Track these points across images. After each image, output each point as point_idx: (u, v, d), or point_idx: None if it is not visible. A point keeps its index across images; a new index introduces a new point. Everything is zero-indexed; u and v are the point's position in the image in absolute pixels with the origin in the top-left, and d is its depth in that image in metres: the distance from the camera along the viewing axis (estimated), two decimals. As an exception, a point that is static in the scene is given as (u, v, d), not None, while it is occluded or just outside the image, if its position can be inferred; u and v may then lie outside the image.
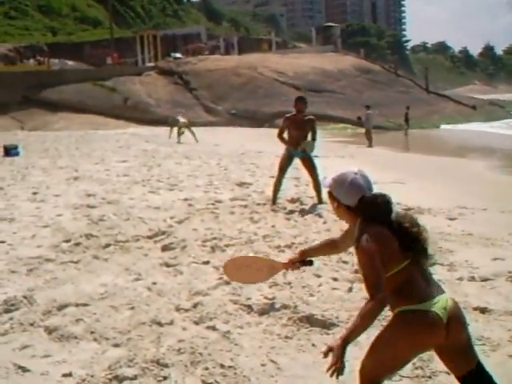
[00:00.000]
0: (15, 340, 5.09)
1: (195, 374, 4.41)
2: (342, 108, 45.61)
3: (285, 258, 7.33)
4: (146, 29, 74.60)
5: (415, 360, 4.43)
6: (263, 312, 5.56)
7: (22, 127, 40.37)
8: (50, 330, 5.25)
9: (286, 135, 11.17)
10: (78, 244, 8.29)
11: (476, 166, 19.11)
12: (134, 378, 4.35)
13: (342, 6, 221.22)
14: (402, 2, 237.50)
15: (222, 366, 4.49)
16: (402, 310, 3.17)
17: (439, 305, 3.11)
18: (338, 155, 22.03)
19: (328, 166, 16.56)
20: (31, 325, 5.39)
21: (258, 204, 11.14)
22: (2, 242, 8.51)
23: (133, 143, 27.44)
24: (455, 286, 6.09)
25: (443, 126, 41.60)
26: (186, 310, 5.65)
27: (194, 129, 28.75)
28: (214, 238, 8.40)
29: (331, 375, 3.28)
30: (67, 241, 8.49)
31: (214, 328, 5.21)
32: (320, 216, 9.89)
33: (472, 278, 6.36)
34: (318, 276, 6.53)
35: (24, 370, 4.54)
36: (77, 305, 5.84)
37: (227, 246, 8.02)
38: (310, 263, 4.02)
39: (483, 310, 5.49)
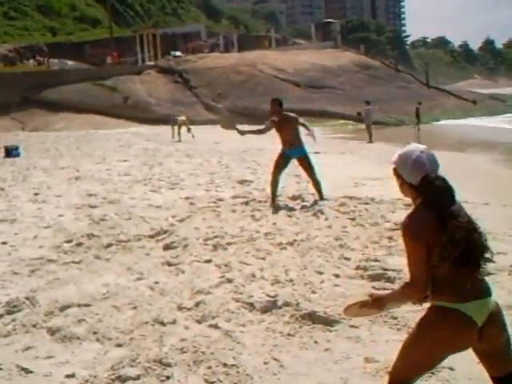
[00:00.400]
0: (18, 341, 5.09)
1: (198, 373, 4.40)
2: (342, 104, 45.60)
3: (287, 255, 7.36)
4: (146, 28, 74.54)
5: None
6: (265, 310, 5.55)
7: (22, 128, 40.40)
8: (52, 331, 5.25)
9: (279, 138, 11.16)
10: (79, 244, 8.30)
11: (476, 161, 19.11)
12: (137, 377, 4.34)
13: (342, 1, 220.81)
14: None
15: (225, 364, 4.47)
16: (438, 304, 3.11)
17: (476, 308, 3.02)
18: (338, 151, 22.05)
19: (328, 163, 16.62)
20: (34, 326, 5.39)
21: (260, 201, 11.14)
22: (4, 243, 8.53)
23: (134, 142, 27.46)
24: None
25: (443, 122, 41.40)
26: (189, 309, 5.64)
27: (192, 126, 28.81)
28: (216, 237, 8.40)
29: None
30: (69, 241, 8.50)
31: (216, 326, 5.20)
32: (321, 212, 9.88)
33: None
34: (320, 273, 6.53)
35: (27, 371, 4.53)
36: (79, 305, 5.84)
37: (229, 244, 8.02)
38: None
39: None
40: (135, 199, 11.88)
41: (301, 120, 11.15)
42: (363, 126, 29.81)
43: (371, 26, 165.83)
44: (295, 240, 8.06)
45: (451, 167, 15.97)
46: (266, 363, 4.51)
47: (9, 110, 42.20)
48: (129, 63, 57.40)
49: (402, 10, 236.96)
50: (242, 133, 11.45)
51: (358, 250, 7.46)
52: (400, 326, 5.04)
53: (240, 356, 4.63)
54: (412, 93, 49.89)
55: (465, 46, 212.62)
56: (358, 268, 6.66)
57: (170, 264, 7.24)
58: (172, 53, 58.36)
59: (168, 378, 4.35)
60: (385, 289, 5.93)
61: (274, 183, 11.07)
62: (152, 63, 55.06)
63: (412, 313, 5.26)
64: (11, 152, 21.39)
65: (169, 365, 4.50)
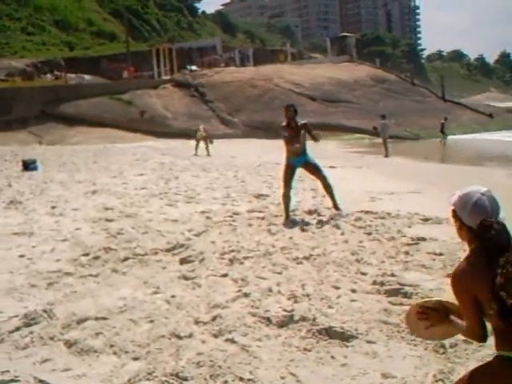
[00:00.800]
0: (35, 354, 5.12)
1: (215, 387, 4.41)
2: (358, 118, 45.59)
3: (303, 269, 7.35)
4: (162, 42, 75.02)
5: (436, 372, 4.42)
6: (282, 324, 5.55)
7: (39, 141, 40.69)
8: (69, 344, 5.27)
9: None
10: (96, 257, 8.33)
11: (494, 175, 18.99)
12: (154, 391, 4.36)
13: (357, 15, 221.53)
14: (417, 11, 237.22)
15: (241, 379, 4.47)
16: (502, 354, 2.90)
17: None
18: (355, 165, 22.02)
19: (345, 177, 16.61)
20: (51, 338, 5.42)
21: (276, 216, 11.13)
22: (22, 255, 8.57)
23: (150, 156, 27.57)
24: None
25: (458, 136, 41.02)
26: (205, 323, 5.65)
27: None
28: (232, 251, 8.41)
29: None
30: (86, 254, 8.53)
31: (232, 341, 5.20)
32: (338, 227, 9.87)
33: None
34: (337, 288, 6.52)
35: (44, 383, 4.55)
36: (96, 318, 5.86)
37: (245, 258, 8.03)
38: None
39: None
40: (152, 213, 11.91)
41: (314, 133, 11.16)
42: (379, 140, 29.78)
43: (386, 40, 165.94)
44: (311, 255, 8.06)
45: (468, 181, 15.96)
46: (282, 378, 4.50)
47: (26, 124, 42.57)
48: (145, 77, 57.69)
49: (418, 23, 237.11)
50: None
51: (375, 265, 7.44)
52: (417, 342, 5.00)
53: (256, 370, 4.62)
54: (428, 106, 49.84)
55: (481, 60, 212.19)
56: (374, 283, 6.64)
57: (186, 278, 7.25)
58: (188, 67, 58.64)
59: (185, 391, 4.36)
60: (402, 304, 5.91)
61: (286, 198, 11.01)
62: (168, 77, 55.33)
63: (429, 328, 5.25)
64: (29, 166, 21.55)
65: (185, 379, 4.51)
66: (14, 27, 73.30)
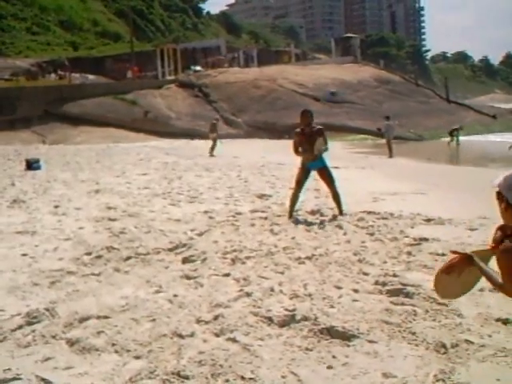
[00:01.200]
0: (37, 352, 5.12)
1: (216, 386, 4.41)
2: (362, 119, 45.61)
3: (305, 269, 7.36)
4: (166, 42, 75.09)
5: (437, 372, 4.42)
6: (284, 324, 5.55)
7: (43, 141, 40.74)
8: (71, 343, 5.27)
9: (300, 149, 11.09)
10: (99, 257, 8.34)
11: (498, 176, 18.96)
12: (155, 390, 4.37)
13: (362, 16, 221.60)
14: (422, 12, 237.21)
15: (243, 378, 4.47)
16: None
17: None
18: (358, 166, 22.03)
19: (348, 178, 16.61)
20: (53, 337, 5.42)
21: (279, 216, 11.15)
22: (25, 254, 8.58)
23: (153, 156, 27.60)
24: (477, 297, 6.04)
25: (462, 138, 40.96)
26: (207, 322, 5.65)
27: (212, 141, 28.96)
28: (235, 250, 8.41)
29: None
30: (88, 253, 8.54)
31: (234, 340, 5.20)
32: (340, 227, 9.89)
33: (494, 289, 6.29)
34: (339, 288, 6.52)
35: (46, 382, 4.55)
36: (98, 317, 5.86)
37: (248, 258, 8.03)
38: None
39: (505, 321, 5.44)
40: (154, 212, 11.93)
41: (325, 135, 11.13)
42: (383, 140, 29.78)
43: (391, 41, 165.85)
44: (314, 254, 8.06)
45: (472, 182, 15.94)
46: (283, 377, 4.50)
47: (30, 124, 42.62)
48: (149, 77, 57.76)
49: (422, 24, 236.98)
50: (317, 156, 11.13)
51: (377, 265, 7.44)
52: (418, 342, 5.01)
53: (258, 370, 4.62)
54: (432, 107, 49.83)
55: (485, 61, 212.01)
56: (376, 283, 6.64)
57: (188, 277, 7.26)
58: (192, 67, 58.72)
59: (186, 390, 4.36)
60: (403, 304, 5.92)
61: (295, 198, 11.10)
62: (172, 77, 55.39)
63: (430, 328, 5.25)
64: (32, 165, 21.58)
65: (187, 377, 4.51)
66: (19, 27, 73.41)
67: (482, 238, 8.71)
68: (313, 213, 11.32)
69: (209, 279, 7.08)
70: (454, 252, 3.30)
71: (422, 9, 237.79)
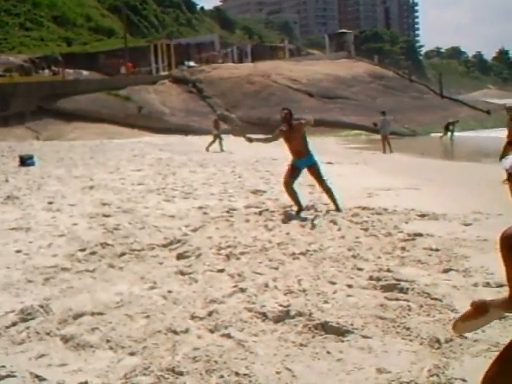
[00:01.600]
0: (32, 349, 5.12)
1: (210, 382, 4.40)
2: (356, 114, 45.62)
3: (300, 265, 7.37)
4: (160, 38, 74.94)
5: (431, 367, 4.43)
6: (278, 319, 5.55)
7: (37, 137, 40.65)
8: (66, 339, 5.27)
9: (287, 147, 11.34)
10: (93, 253, 8.33)
11: (490, 171, 18.99)
12: (150, 386, 4.36)
13: (356, 12, 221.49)
14: (416, 8, 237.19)
15: (237, 374, 4.47)
16: None
17: None
18: (352, 162, 22.05)
19: (342, 173, 16.63)
20: (47, 334, 5.41)
21: (273, 211, 11.16)
22: (19, 251, 8.57)
23: (147, 152, 27.57)
24: (470, 292, 6.06)
25: (456, 133, 40.97)
26: (201, 318, 5.65)
27: (206, 136, 28.99)
28: (229, 246, 8.42)
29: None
30: (83, 250, 8.54)
31: (229, 336, 5.20)
32: (334, 223, 9.90)
33: (487, 284, 6.31)
34: (333, 283, 6.53)
35: (40, 378, 4.55)
36: (92, 313, 5.86)
37: (242, 253, 8.03)
38: None
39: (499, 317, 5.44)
40: (149, 208, 11.92)
41: (304, 121, 11.23)
42: (377, 136, 29.78)
43: (385, 37, 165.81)
44: (308, 250, 8.07)
45: (466, 177, 15.98)
46: (278, 373, 4.50)
47: (24, 120, 42.50)
48: (143, 73, 57.62)
49: (416, 20, 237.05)
50: (250, 140, 11.55)
51: (371, 261, 7.46)
52: (412, 337, 5.02)
53: (252, 365, 4.63)
54: (425, 103, 49.85)
55: (479, 56, 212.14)
56: (370, 278, 6.65)
57: (183, 273, 7.26)
58: (186, 63, 58.61)
59: (180, 386, 4.36)
60: (397, 299, 5.93)
61: (292, 192, 11.18)
62: (166, 73, 55.27)
63: (424, 323, 5.26)
64: (26, 161, 21.53)
65: (181, 374, 4.51)
66: (13, 23, 73.12)
67: (477, 234, 8.75)
68: (307, 208, 11.32)
69: (203, 275, 7.08)
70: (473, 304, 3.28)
71: (415, 4, 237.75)
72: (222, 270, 7.26)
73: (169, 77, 52.98)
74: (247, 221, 10.40)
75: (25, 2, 77.84)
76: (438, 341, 4.85)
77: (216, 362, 4.69)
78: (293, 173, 11.24)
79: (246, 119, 45.91)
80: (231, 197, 13.26)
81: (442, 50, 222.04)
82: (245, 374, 4.46)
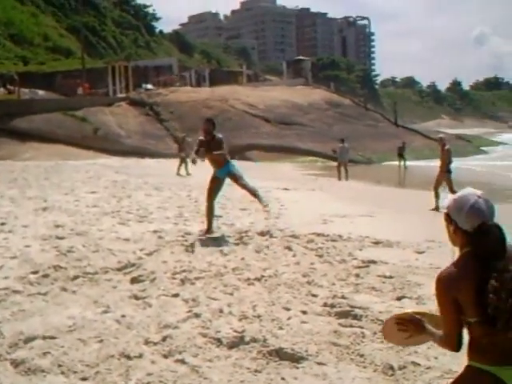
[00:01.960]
0: (-20, 374, 5.02)
1: (164, 408, 4.38)
2: (312, 141, 46.04)
3: (254, 290, 7.38)
4: (118, 60, 74.69)
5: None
6: (232, 345, 5.55)
7: (-11, 156, 39.96)
8: (16, 363, 5.18)
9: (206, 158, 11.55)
10: (45, 276, 8.20)
11: (443, 200, 19.33)
12: (102, 412, 4.31)
13: (313, 39, 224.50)
14: (372, 37, 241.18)
15: (191, 400, 4.46)
16: (473, 364, 2.92)
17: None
18: (308, 188, 22.19)
19: (298, 199, 16.74)
20: (-3, 358, 5.32)
21: (228, 236, 11.16)
22: (-31, 273, 8.40)
23: (103, 174, 27.33)
24: (423, 319, 6.13)
25: (410, 162, 41.30)
26: (155, 343, 5.62)
27: (162, 159, 28.85)
28: (184, 271, 8.39)
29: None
30: (35, 272, 8.39)
31: (183, 361, 5.18)
32: (289, 249, 9.94)
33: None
34: (288, 309, 6.55)
35: (-11, 404, 4.47)
36: (44, 337, 5.77)
37: (197, 278, 8.01)
38: None
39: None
40: (103, 231, 11.80)
41: (224, 145, 11.50)
42: (333, 163, 30.05)
43: (341, 65, 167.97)
44: (263, 276, 8.09)
45: (420, 205, 16.21)
46: (232, 399, 4.50)
47: (-23, 139, 41.77)
48: (100, 94, 57.30)
49: (372, 49, 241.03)
50: (194, 161, 11.60)
51: (326, 287, 7.51)
52: (366, 364, 5.07)
53: (206, 391, 4.61)
54: (380, 131, 50.66)
55: (433, 87, 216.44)
56: (325, 305, 6.69)
57: (137, 297, 7.20)
58: (143, 85, 58.47)
59: (133, 413, 4.32)
60: (352, 326, 5.98)
61: (210, 209, 11.51)
62: (123, 95, 55.05)
63: (378, 350, 5.31)
64: (-22, 181, 21.18)
65: (134, 400, 4.47)
66: (-32, 40, 72.21)
67: (429, 261, 8.88)
68: (262, 234, 11.34)
69: (157, 299, 7.04)
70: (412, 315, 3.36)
71: (372, 34, 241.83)
72: (176, 295, 7.23)
73: (126, 99, 52.76)
74: (203, 245, 10.37)
75: (-19, 20, 76.99)
76: (391, 367, 4.90)
77: (170, 387, 4.66)
78: (214, 184, 11.54)
79: (202, 143, 45.90)
80: (186, 221, 13.21)
81: (397, 80, 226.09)
82: (199, 401, 4.44)
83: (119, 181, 23.29)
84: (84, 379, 4.87)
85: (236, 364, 5.15)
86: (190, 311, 6.51)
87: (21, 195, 17.78)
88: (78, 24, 78.64)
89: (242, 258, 9.26)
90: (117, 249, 9.98)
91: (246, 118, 48.74)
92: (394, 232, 11.56)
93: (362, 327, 5.92)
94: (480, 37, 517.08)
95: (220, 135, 11.54)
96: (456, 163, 36.43)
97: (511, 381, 2.82)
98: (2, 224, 12.50)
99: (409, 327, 3.28)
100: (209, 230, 11.35)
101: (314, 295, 7.11)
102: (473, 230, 2.95)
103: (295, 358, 5.22)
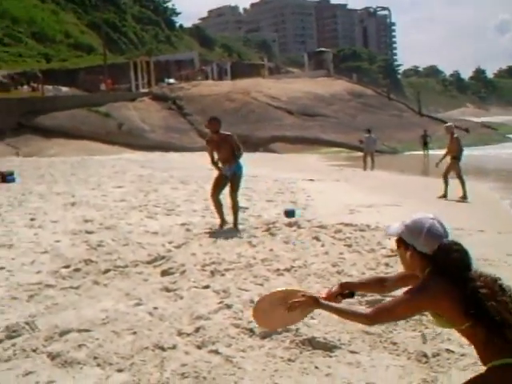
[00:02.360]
0: (18, 366, 5.09)
1: (200, 397, 4.42)
2: (335, 132, 45.86)
3: (283, 281, 7.40)
4: (139, 55, 74.94)
5: (419, 381, 4.47)
6: (265, 335, 5.57)
7: (16, 153, 40.33)
8: (52, 356, 5.25)
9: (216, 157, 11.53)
10: (77, 270, 8.30)
11: (470, 188, 19.19)
12: (139, 402, 4.36)
13: (334, 31, 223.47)
14: (393, 27, 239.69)
15: (227, 389, 4.49)
16: (497, 363, 2.87)
17: None
18: (333, 179, 22.14)
19: (323, 190, 16.72)
20: (34, 351, 5.39)
21: (256, 228, 11.19)
22: (2, 268, 8.50)
23: (128, 169, 27.45)
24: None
25: (435, 152, 41.19)
26: (188, 335, 5.66)
27: (186, 153, 28.91)
28: (213, 263, 8.43)
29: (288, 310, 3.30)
30: (66, 266, 8.49)
31: (216, 352, 5.22)
32: (318, 239, 9.94)
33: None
34: (319, 299, 6.55)
35: (28, 396, 4.54)
36: (79, 330, 5.84)
37: (227, 270, 8.05)
38: (351, 295, 3.69)
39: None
40: (131, 225, 11.88)
41: (235, 140, 11.44)
42: (357, 153, 29.90)
43: (363, 55, 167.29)
44: (292, 266, 8.10)
45: (449, 194, 16.11)
46: (267, 388, 4.53)
47: (3, 136, 42.13)
48: (123, 90, 57.51)
49: (394, 39, 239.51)
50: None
51: (355, 277, 7.48)
52: (399, 352, 5.07)
53: (241, 381, 4.65)
54: (404, 121, 50.30)
55: (456, 75, 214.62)
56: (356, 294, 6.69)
57: (168, 290, 7.26)
58: (166, 80, 58.64)
59: (170, 402, 4.36)
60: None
61: (217, 203, 11.51)
62: (146, 90, 55.24)
63: (411, 338, 5.31)
64: (7, 177, 21.36)
65: (171, 390, 4.51)
66: (-9, 39, 72.85)
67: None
68: (290, 225, 11.35)
69: (188, 291, 7.09)
70: (303, 295, 3.38)
71: (393, 24, 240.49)
72: (207, 287, 7.27)
73: (149, 94, 52.92)
74: (231, 237, 10.41)
75: (3, 18, 77.56)
76: (425, 355, 4.90)
77: (205, 378, 4.70)
78: (220, 181, 11.55)
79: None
80: (213, 213, 13.24)
81: (420, 69, 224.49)
82: (234, 390, 4.48)
83: (145, 175, 23.39)
84: (120, 371, 4.93)
85: (269, 354, 5.18)
86: (221, 302, 6.55)
87: (49, 191, 17.95)
88: (99, 20, 79.11)
89: (271, 249, 9.28)
90: (146, 242, 10.06)
91: (269, 111, 48.67)
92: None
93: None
94: (502, 24, 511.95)
95: (228, 132, 11.50)
96: (482, 151, 36.17)
97: None
98: (32, 219, 12.64)
99: (300, 303, 3.30)
100: (222, 223, 11.37)
101: (345, 285, 7.11)
102: (432, 253, 3.03)
103: (328, 347, 5.24)
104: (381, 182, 21.51)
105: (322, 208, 11.91)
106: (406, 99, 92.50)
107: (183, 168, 27.55)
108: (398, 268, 7.83)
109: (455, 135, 16.61)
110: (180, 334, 5.71)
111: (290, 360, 5.05)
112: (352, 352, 5.13)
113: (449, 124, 19.11)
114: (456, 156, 16.37)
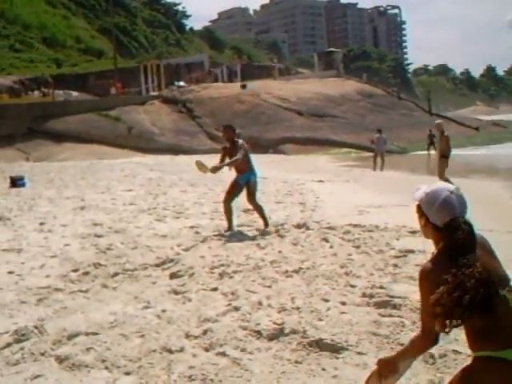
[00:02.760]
0: (26, 370, 5.11)
1: (207, 400, 4.42)
2: (345, 132, 45.78)
3: (293, 283, 7.40)
4: (150, 58, 75.25)
5: (426, 382, 4.45)
6: (272, 337, 5.58)
7: (27, 158, 40.53)
8: (60, 359, 5.27)
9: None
10: (86, 273, 8.33)
11: (480, 187, 19.10)
12: (146, 405, 4.37)
13: (343, 31, 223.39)
14: (403, 26, 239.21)
15: (233, 391, 4.50)
16: (480, 354, 2.84)
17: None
18: (343, 179, 22.10)
19: (333, 191, 16.70)
20: (42, 354, 5.41)
21: (264, 230, 11.19)
22: (11, 272, 8.55)
23: (138, 172, 27.52)
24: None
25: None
26: (196, 337, 5.67)
27: (197, 156, 28.90)
28: (222, 265, 8.44)
29: None
30: (75, 270, 8.53)
31: (224, 354, 5.22)
32: (326, 240, 9.93)
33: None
34: (326, 300, 6.56)
35: (36, 399, 4.56)
36: (87, 333, 5.86)
37: (235, 272, 8.06)
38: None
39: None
40: (140, 228, 11.92)
41: (242, 151, 11.20)
42: (367, 154, 29.82)
43: (373, 55, 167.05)
44: (301, 268, 8.10)
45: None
46: (274, 390, 4.53)
47: (14, 141, 42.36)
48: (133, 94, 57.76)
49: (404, 38, 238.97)
50: (215, 170, 11.45)
51: (364, 278, 7.49)
52: (407, 353, 5.04)
53: (248, 383, 4.65)
54: (414, 120, 50.14)
55: (466, 74, 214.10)
56: (363, 295, 6.69)
57: (176, 292, 7.28)
58: (176, 83, 58.81)
59: (177, 405, 4.37)
60: (391, 316, 5.96)
61: (227, 208, 11.45)
62: (156, 93, 55.41)
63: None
64: (17, 182, 21.46)
65: (177, 392, 4.52)
66: (2, 44, 73.18)
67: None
68: (299, 226, 11.36)
69: (197, 294, 7.10)
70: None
71: (403, 23, 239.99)
72: (215, 289, 7.28)
73: (159, 97, 53.08)
74: (239, 240, 10.42)
75: (15, 24, 78.06)
76: (432, 356, 4.87)
77: (212, 380, 4.71)
78: (233, 189, 11.53)
79: (236, 138, 45.98)
80: (223, 216, 13.24)
81: (430, 68, 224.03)
82: (241, 392, 4.48)
83: (154, 178, 23.44)
84: (127, 373, 4.94)
85: (276, 356, 5.18)
86: (229, 304, 6.56)
87: (58, 195, 18.03)
88: (109, 25, 79.45)
89: (280, 251, 9.29)
90: (155, 245, 10.09)
91: (279, 112, 48.68)
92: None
93: (401, 317, 5.90)
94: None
95: (241, 141, 11.40)
96: (493, 150, 36.07)
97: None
98: (42, 224, 12.70)
99: (383, 376, 3.26)
100: (230, 227, 11.36)
101: (353, 286, 7.11)
102: (443, 226, 2.97)
103: (335, 349, 5.23)
104: (390, 182, 21.45)
105: (331, 209, 11.90)
106: (416, 98, 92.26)
107: (192, 171, 27.54)
108: (406, 269, 7.83)
109: (445, 133, 16.51)
110: (188, 336, 5.72)
111: (297, 362, 5.05)
112: (359, 353, 5.12)
113: (438, 121, 18.96)
114: (444, 155, 16.29)
